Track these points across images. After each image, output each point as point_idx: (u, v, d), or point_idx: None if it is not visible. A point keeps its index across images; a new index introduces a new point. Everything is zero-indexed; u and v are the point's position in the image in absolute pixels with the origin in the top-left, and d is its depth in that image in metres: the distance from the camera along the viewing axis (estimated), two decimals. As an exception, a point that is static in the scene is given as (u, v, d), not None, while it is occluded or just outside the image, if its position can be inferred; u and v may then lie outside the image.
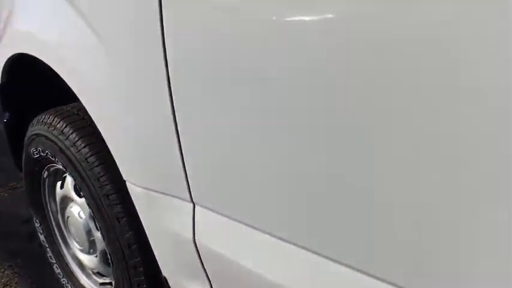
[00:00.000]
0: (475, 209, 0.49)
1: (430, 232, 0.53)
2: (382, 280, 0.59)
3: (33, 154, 1.20)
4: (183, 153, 0.77)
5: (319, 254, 0.66)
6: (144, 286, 1.06)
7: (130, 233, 1.02)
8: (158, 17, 0.71)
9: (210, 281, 0.85)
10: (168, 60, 0.72)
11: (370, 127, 0.54)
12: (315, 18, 0.56)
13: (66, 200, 1.23)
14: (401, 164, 0.53)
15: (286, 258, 0.71)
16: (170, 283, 0.95)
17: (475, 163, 0.47)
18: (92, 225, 1.17)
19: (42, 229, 1.35)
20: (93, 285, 1.29)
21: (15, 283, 1.47)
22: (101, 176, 1.03)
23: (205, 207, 0.79)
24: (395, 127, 0.52)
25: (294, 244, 0.69)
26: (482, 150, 0.46)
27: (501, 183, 0.46)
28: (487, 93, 0.45)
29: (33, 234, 1.41)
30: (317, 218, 0.65)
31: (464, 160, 0.48)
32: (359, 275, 0.61)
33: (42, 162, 1.21)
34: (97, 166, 1.03)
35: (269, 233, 0.72)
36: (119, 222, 1.03)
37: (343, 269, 0.63)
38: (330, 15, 0.54)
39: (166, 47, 0.71)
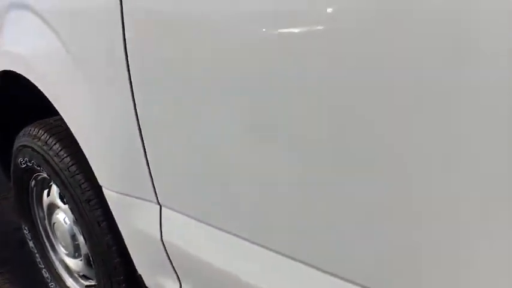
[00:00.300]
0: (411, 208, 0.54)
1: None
2: (332, 274, 0.64)
3: (21, 164, 1.28)
4: (147, 157, 0.85)
5: (278, 253, 0.71)
6: (124, 285, 1.13)
7: (109, 236, 1.10)
8: (121, 37, 0.79)
9: (179, 279, 0.93)
10: (130, 70, 0.80)
11: (320, 128, 0.59)
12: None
13: (52, 207, 1.31)
14: (341, 163, 0.59)
15: (247, 256, 0.77)
16: (145, 280, 1.02)
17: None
18: (76, 230, 1.25)
19: (31, 236, 1.43)
20: (79, 288, 1.36)
21: (6, 290, 1.53)
22: (82, 183, 1.11)
23: (171, 209, 0.87)
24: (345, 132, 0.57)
25: (255, 243, 0.75)
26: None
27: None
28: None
29: (24, 242, 1.47)
30: (274, 217, 0.71)
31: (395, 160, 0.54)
32: (316, 271, 0.66)
33: (29, 172, 1.29)
34: (78, 174, 1.11)
35: (230, 233, 0.78)
36: (99, 225, 1.10)
37: (302, 266, 0.68)
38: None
39: (128, 57, 0.79)
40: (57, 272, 1.40)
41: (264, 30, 0.62)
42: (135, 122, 0.83)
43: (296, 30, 0.58)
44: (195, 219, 0.83)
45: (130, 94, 0.82)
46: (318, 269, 0.66)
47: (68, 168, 1.12)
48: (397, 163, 0.53)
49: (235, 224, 0.77)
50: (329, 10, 0.54)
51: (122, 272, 1.11)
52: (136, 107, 0.82)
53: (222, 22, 0.66)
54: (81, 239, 1.24)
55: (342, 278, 0.63)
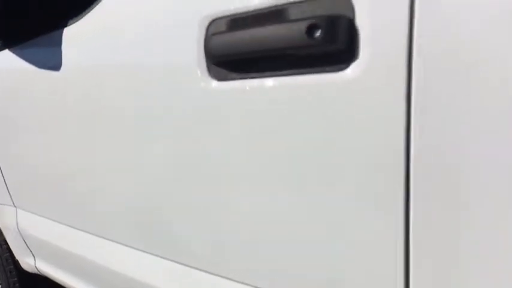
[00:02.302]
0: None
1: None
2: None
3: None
4: (1, 169, 1.40)
5: (93, 234, 1.22)
6: (14, 273, 1.64)
7: (2, 236, 1.63)
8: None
9: (33, 254, 1.45)
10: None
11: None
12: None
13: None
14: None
15: (72, 236, 1.29)
16: (20, 263, 1.54)
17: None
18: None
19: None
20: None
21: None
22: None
23: (22, 208, 1.41)
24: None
25: (76, 228, 1.26)
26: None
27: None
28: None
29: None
30: (89, 205, 1.25)
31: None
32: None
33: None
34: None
35: (60, 222, 1.31)
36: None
37: (110, 242, 1.21)
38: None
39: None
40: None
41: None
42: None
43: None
44: (37, 214, 1.37)
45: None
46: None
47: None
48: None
49: (62, 216, 1.30)
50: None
51: (12, 263, 1.64)
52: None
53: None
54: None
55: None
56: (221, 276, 0.80)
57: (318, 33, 0.56)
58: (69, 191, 1.17)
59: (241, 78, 0.68)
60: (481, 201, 0.50)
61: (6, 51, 1.19)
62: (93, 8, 0.91)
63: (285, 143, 0.65)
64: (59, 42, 0.98)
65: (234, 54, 0.65)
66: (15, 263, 1.61)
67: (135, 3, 0.83)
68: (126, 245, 0.99)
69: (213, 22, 0.70)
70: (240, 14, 0.66)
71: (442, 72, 0.50)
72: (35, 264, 1.44)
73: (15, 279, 1.63)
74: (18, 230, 1.43)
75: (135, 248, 0.97)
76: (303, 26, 0.56)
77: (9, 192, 1.42)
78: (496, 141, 0.48)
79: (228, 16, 0.68)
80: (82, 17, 0.94)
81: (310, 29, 0.56)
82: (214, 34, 0.69)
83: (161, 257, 0.91)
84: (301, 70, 0.61)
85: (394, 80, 0.54)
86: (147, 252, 0.94)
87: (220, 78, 0.71)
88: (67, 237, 1.27)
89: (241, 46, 0.64)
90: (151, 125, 0.83)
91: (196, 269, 0.84)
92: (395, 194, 0.56)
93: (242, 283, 0.78)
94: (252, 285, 0.77)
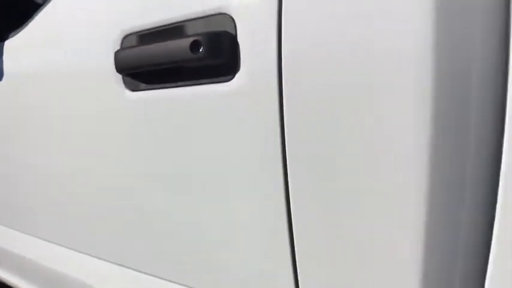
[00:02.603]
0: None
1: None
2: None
3: None
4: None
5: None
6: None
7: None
8: None
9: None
10: None
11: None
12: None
13: None
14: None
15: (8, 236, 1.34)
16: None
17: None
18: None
19: None
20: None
21: None
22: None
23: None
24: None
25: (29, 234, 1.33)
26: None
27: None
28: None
29: None
30: (30, 207, 1.31)
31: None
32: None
33: None
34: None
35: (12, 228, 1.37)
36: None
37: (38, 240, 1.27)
38: None
39: None
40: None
41: None
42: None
43: None
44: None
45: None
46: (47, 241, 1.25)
47: None
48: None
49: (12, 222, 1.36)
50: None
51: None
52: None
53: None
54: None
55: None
56: (151, 275, 0.86)
57: (200, 49, 0.62)
58: (3, 192, 1.24)
59: (148, 89, 0.74)
60: (344, 196, 0.57)
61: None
62: (29, 24, 0.98)
63: (185, 148, 0.71)
64: (1, 54, 1.05)
65: (137, 67, 0.71)
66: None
67: (65, 18, 0.90)
68: (62, 245, 1.05)
69: (126, 37, 0.76)
70: (143, 30, 0.72)
71: (306, 82, 0.56)
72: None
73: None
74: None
75: (68, 248, 1.02)
76: (187, 43, 0.62)
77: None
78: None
79: (136, 32, 0.74)
80: (20, 31, 1.00)
81: (194, 46, 0.62)
82: (124, 48, 0.75)
83: (92, 256, 0.97)
84: (196, 81, 0.68)
85: (268, 88, 0.60)
86: (76, 251, 1.00)
87: (132, 88, 0.77)
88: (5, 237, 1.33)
89: (141, 60, 0.70)
90: (76, 130, 0.89)
91: (120, 265, 0.90)
92: (277, 190, 0.62)
93: (171, 281, 0.84)
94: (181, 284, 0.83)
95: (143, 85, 0.75)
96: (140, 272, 0.86)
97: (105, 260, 0.94)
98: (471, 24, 0.47)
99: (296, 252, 0.64)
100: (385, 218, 0.53)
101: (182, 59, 0.64)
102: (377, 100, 0.51)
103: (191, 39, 0.62)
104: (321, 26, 0.54)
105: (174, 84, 0.70)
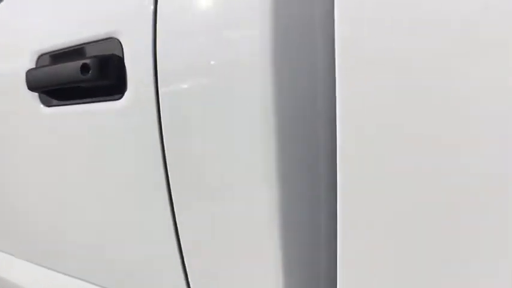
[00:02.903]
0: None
1: None
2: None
3: None
4: None
5: None
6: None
7: None
8: None
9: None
10: None
11: None
12: None
13: None
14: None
15: None
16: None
17: None
18: None
19: None
20: None
21: None
22: None
23: None
24: None
25: None
26: None
27: None
28: None
29: None
30: None
31: None
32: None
33: None
34: None
35: None
36: None
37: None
38: None
39: None
40: None
41: None
42: None
43: None
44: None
45: None
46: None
47: None
48: None
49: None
50: None
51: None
52: None
53: None
54: None
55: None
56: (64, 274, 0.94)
57: (90, 72, 0.69)
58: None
59: (58, 105, 0.81)
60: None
61: None
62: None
63: (86, 158, 0.78)
64: None
65: (42, 86, 0.79)
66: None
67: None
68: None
69: (41, 57, 0.83)
70: (52, 51, 0.79)
71: (172, 96, 0.63)
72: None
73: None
74: None
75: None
76: (77, 65, 0.69)
77: None
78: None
79: (48, 52, 0.81)
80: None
81: (83, 68, 0.69)
82: (33, 68, 0.82)
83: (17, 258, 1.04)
84: (93, 99, 0.75)
85: (149, 104, 0.67)
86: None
87: (46, 104, 0.84)
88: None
89: (45, 79, 0.77)
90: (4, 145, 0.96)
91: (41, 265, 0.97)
92: (162, 196, 0.69)
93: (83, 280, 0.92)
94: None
95: (55, 101, 0.82)
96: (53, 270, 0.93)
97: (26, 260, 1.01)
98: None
99: (183, 253, 0.71)
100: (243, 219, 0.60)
101: (74, 80, 0.71)
102: (229, 108, 0.57)
103: (81, 62, 0.69)
104: (184, 46, 0.61)
105: (76, 101, 0.77)
